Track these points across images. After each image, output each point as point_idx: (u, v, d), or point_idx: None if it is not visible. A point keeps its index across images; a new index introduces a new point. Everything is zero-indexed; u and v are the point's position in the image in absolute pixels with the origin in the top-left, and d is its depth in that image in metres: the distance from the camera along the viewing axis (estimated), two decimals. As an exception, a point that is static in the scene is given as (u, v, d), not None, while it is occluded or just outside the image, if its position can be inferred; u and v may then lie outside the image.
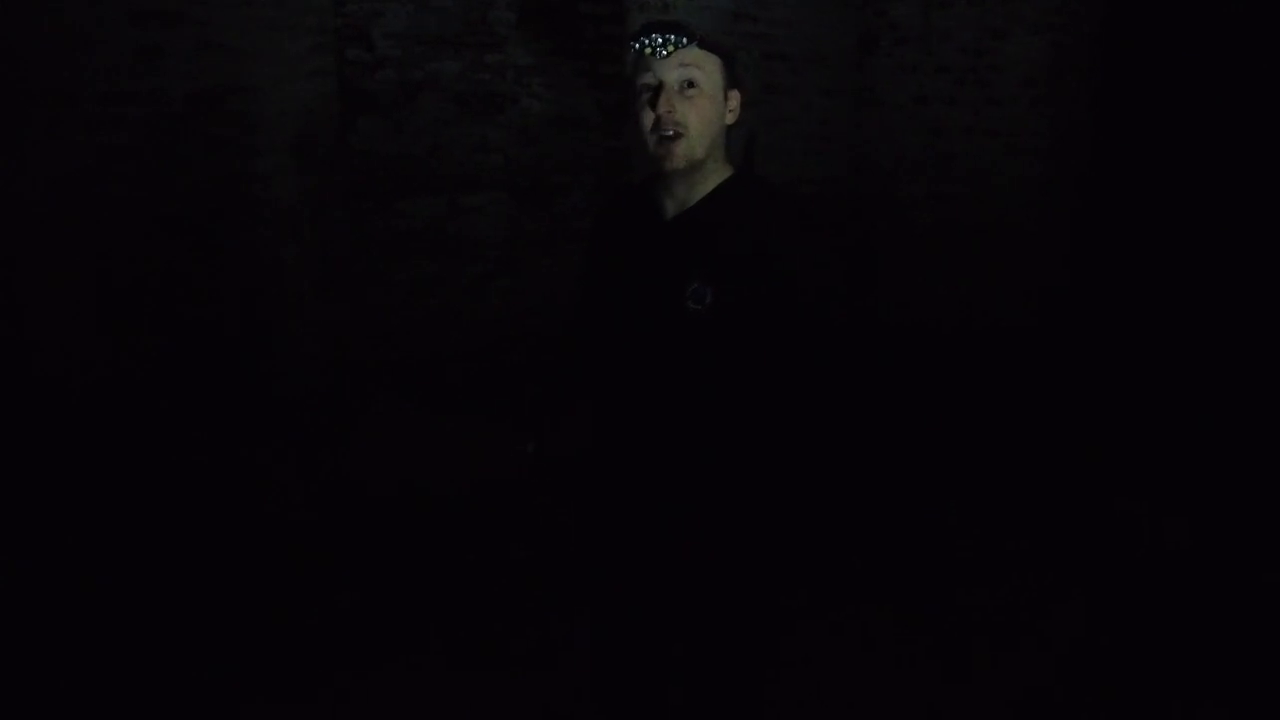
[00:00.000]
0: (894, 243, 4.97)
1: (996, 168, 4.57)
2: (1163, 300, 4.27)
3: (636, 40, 1.50)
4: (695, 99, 1.48)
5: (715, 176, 1.55)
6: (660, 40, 1.47)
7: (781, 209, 1.55)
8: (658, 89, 1.48)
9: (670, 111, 1.47)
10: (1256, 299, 4.04)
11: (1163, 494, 3.47)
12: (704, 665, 1.64)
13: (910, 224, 4.91)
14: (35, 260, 2.67)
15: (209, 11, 2.88)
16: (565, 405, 1.74)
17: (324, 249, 3.30)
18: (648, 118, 1.49)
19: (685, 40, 1.47)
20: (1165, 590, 2.87)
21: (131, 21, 2.75)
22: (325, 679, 2.44)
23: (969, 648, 2.60)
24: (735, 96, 1.56)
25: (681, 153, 1.48)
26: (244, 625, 2.64)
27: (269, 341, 3.17)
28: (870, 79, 4.95)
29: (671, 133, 1.47)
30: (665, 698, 1.78)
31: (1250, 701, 2.37)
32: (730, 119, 1.56)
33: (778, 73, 4.50)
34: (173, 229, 2.89)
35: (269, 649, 2.55)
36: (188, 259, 2.93)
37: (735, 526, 1.52)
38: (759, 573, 1.56)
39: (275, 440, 3.18)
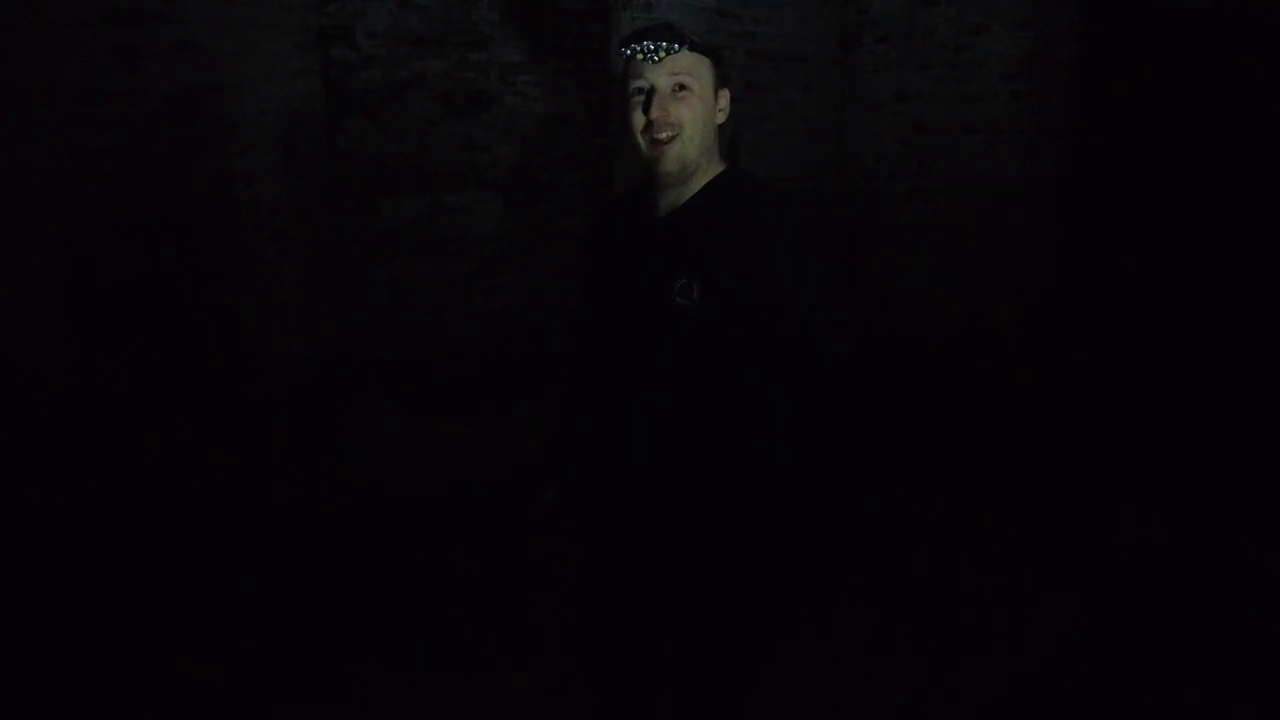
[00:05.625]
0: (875, 239, 5.00)
1: (977, 164, 4.60)
2: (1149, 296, 4.31)
3: (627, 46, 1.51)
4: (688, 99, 1.49)
5: (706, 175, 1.56)
6: (651, 47, 1.48)
7: (771, 206, 1.54)
8: (650, 93, 1.49)
9: (664, 115, 1.48)
10: (1245, 293, 4.09)
11: (1149, 492, 3.52)
12: (694, 662, 1.64)
13: (892, 221, 4.94)
14: (10, 261, 2.63)
15: (188, 11, 2.85)
16: (583, 446, 1.73)
17: (307, 249, 3.28)
18: (639, 120, 1.50)
19: (677, 46, 1.48)
20: (1150, 587, 2.91)
21: (109, 20, 2.72)
22: (311, 680, 2.43)
23: (956, 645, 2.63)
24: (725, 95, 1.57)
25: (675, 155, 1.49)
26: (228, 626, 2.62)
27: (251, 342, 3.14)
28: (852, 76, 4.97)
29: (665, 135, 1.48)
30: (659, 696, 1.78)
31: (1235, 693, 2.41)
32: (721, 118, 1.57)
33: (760, 70, 4.51)
34: (152, 229, 2.86)
35: (255, 650, 2.53)
36: (168, 259, 2.91)
37: (725, 527, 1.52)
38: (750, 573, 1.56)
39: (258, 441, 3.15)
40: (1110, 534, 3.25)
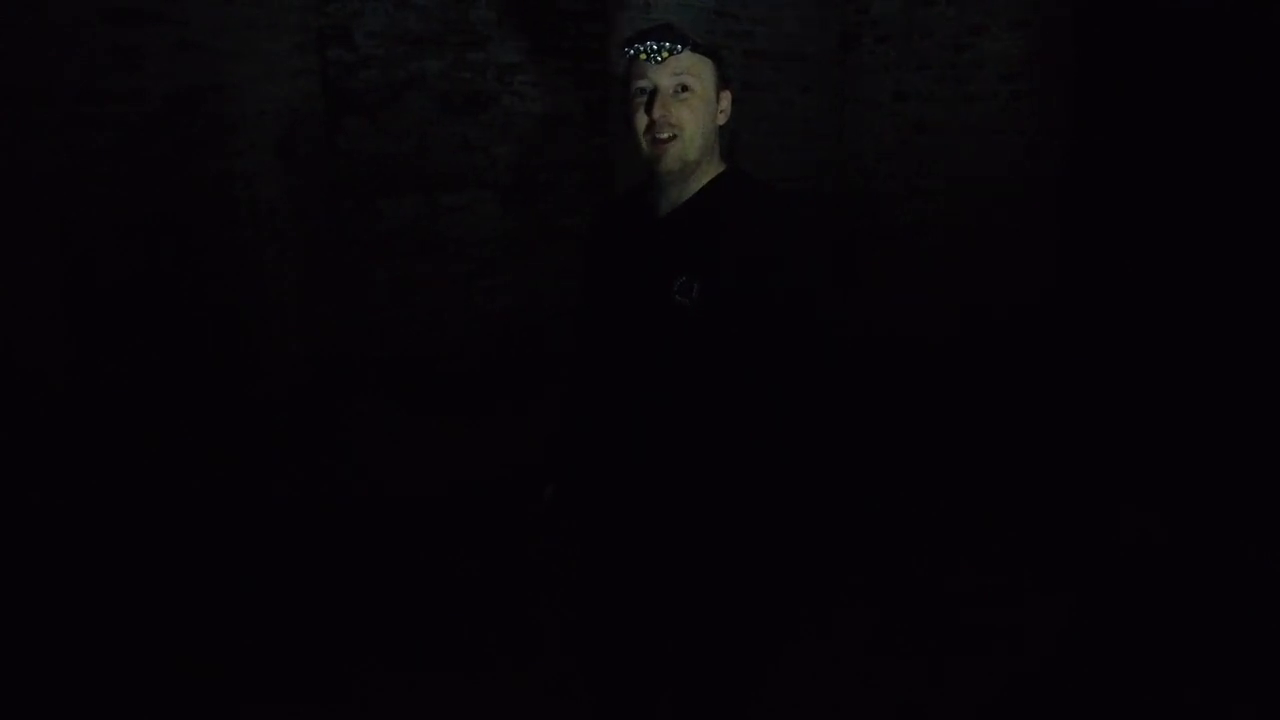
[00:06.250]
0: (875, 239, 5.00)
1: (977, 164, 4.60)
2: (1149, 296, 4.31)
3: (630, 47, 1.52)
4: (689, 100, 1.50)
5: (707, 175, 1.57)
6: (655, 47, 1.49)
7: (770, 206, 1.55)
8: (652, 93, 1.50)
9: (665, 115, 1.49)
10: (1245, 293, 4.08)
11: (1149, 492, 3.51)
12: (694, 663, 1.64)
13: (892, 221, 4.94)
14: (10, 260, 2.63)
15: (188, 11, 2.85)
16: (583, 445, 1.73)
17: (307, 249, 3.28)
18: (641, 120, 1.51)
19: (679, 47, 1.49)
20: (1150, 587, 2.91)
21: (109, 20, 2.72)
22: (311, 680, 2.43)
23: (956, 645, 2.63)
24: (726, 96, 1.58)
25: (676, 154, 1.50)
26: (227, 626, 2.62)
27: (251, 342, 3.14)
28: (851, 76, 4.98)
29: (666, 135, 1.49)
30: (659, 696, 1.78)
31: (1235, 693, 2.41)
32: (722, 119, 1.58)
33: (758, 70, 4.51)
34: (152, 229, 2.86)
35: (255, 650, 2.53)
36: (168, 259, 2.91)
37: (724, 527, 1.51)
38: (749, 572, 1.56)
39: (258, 441, 3.16)
40: (1110, 534, 3.25)
